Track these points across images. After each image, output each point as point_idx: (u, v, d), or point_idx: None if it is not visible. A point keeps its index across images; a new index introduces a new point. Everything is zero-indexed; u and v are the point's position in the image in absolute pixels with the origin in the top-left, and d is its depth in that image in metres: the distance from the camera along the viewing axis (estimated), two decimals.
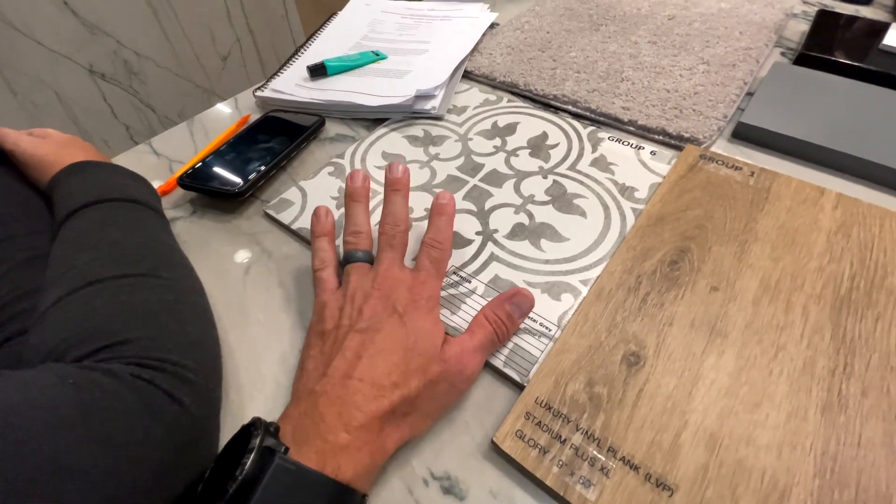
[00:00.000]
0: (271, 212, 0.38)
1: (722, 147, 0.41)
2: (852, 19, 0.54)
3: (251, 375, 0.29)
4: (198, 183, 0.39)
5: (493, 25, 0.60)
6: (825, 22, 0.53)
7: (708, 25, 0.56)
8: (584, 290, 0.30)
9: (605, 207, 0.36)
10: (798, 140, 0.38)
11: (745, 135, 0.41)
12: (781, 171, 0.38)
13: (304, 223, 0.36)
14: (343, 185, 0.39)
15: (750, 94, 0.46)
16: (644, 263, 0.31)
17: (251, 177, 0.38)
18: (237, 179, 0.38)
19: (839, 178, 0.38)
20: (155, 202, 0.35)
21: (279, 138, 0.43)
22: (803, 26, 0.56)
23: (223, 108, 0.51)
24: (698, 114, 0.43)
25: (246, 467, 0.18)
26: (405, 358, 0.24)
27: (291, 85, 0.49)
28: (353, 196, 0.33)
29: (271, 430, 0.20)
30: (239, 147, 0.42)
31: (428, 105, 0.45)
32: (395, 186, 0.32)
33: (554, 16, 0.60)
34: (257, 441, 0.19)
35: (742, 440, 0.23)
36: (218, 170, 0.40)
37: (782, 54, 0.52)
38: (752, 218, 0.33)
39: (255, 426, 0.20)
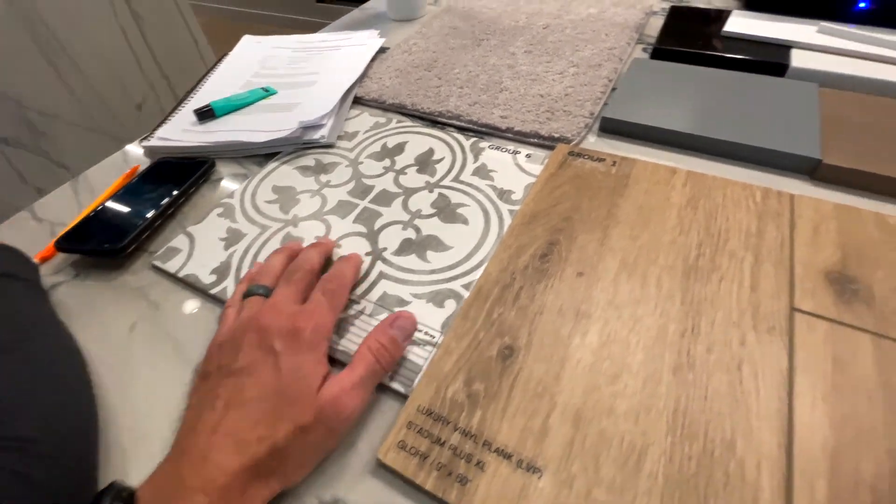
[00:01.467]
0: (157, 262, 0.37)
1: (591, 142, 0.44)
2: (701, 11, 0.60)
3: (135, 435, 0.28)
4: (75, 244, 0.37)
5: (382, 50, 0.62)
6: (677, 17, 0.59)
7: (578, 31, 0.60)
8: (466, 294, 0.32)
9: (485, 213, 0.37)
10: (654, 127, 0.42)
11: (610, 128, 0.44)
12: (642, 158, 0.41)
13: (191, 269, 0.36)
14: (232, 225, 0.39)
15: (615, 89, 0.50)
16: (518, 260, 0.33)
17: (134, 231, 0.38)
18: (119, 235, 0.37)
19: (694, 157, 0.41)
20: (25, 272, 0.33)
21: (166, 186, 0.42)
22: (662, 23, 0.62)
23: (111, 162, 0.50)
24: (568, 114, 0.46)
25: None
26: (275, 405, 0.23)
27: (178, 131, 0.49)
28: (278, 249, 0.34)
29: (123, 495, 0.20)
30: (123, 200, 0.41)
31: (317, 134, 0.46)
32: (316, 244, 0.34)
33: (439, 35, 0.63)
34: None
35: (604, 412, 0.25)
36: (99, 227, 0.39)
37: (644, 50, 0.57)
38: (614, 204, 0.36)
39: (105, 492, 0.19)
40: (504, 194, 0.39)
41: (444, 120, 0.49)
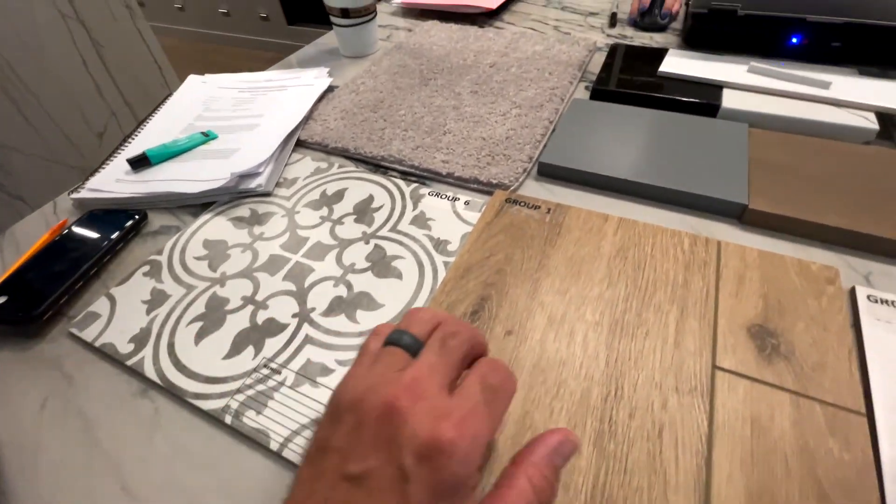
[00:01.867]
0: (74, 330, 0.35)
1: (529, 187, 0.44)
2: (640, 50, 0.61)
3: None
4: None
5: (331, 89, 0.62)
6: (617, 55, 0.60)
7: (523, 69, 0.61)
8: None
9: (420, 265, 0.37)
10: (590, 172, 0.42)
11: (547, 172, 0.45)
12: (580, 204, 0.42)
13: (109, 337, 0.34)
14: (157, 285, 0.37)
15: (556, 129, 0.50)
16: None
17: (50, 297, 0.36)
18: (35, 302, 0.35)
19: (629, 202, 0.42)
20: None
21: (93, 243, 0.41)
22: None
23: (39, 216, 0.47)
24: (507, 158, 0.46)
25: None
26: None
27: (111, 181, 0.47)
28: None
29: None
30: (45, 261, 0.39)
31: (253, 183, 0.45)
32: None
33: (388, 74, 0.63)
34: None
35: None
36: (16, 292, 0.36)
37: (586, 88, 0.58)
38: (546, 254, 0.36)
39: None
40: (440, 245, 0.38)
41: (386, 164, 0.48)
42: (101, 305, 0.36)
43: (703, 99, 0.49)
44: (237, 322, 0.34)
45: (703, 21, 0.62)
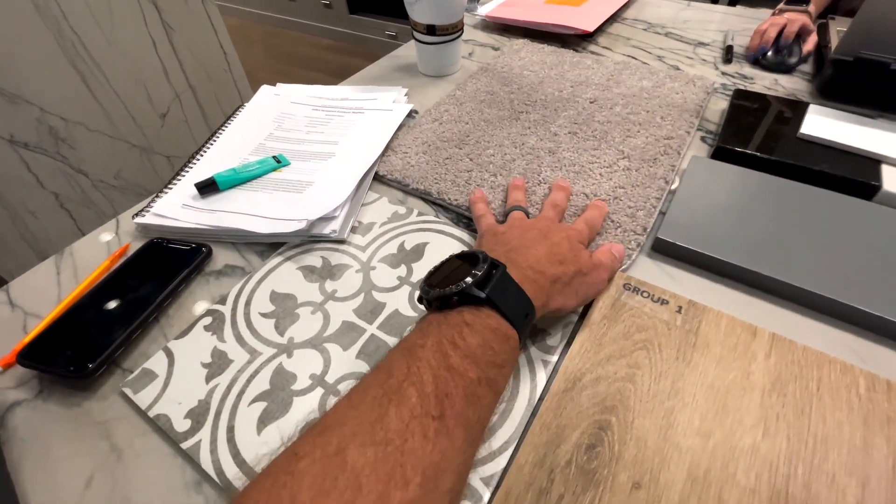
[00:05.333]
0: (128, 391, 0.31)
1: (643, 266, 0.38)
2: (770, 100, 0.53)
3: None
4: (38, 362, 0.32)
5: (411, 115, 0.57)
6: (742, 104, 0.52)
7: (629, 109, 0.54)
8: (487, 496, 0.25)
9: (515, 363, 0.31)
10: (724, 262, 0.35)
11: (665, 251, 0.38)
12: (708, 297, 0.35)
13: (164, 407, 0.30)
14: (219, 345, 0.33)
15: (672, 191, 0.43)
16: (558, 450, 0.27)
17: (105, 352, 0.32)
18: (88, 354, 0.32)
19: (767, 301, 0.35)
20: None
21: (155, 281, 0.37)
22: (723, 104, 0.55)
23: (100, 237, 0.45)
24: (617, 226, 0.39)
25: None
26: (569, 251, 0.32)
27: (177, 206, 0.44)
28: (515, 185, 0.43)
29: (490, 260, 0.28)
30: (104, 297, 0.36)
31: (327, 229, 0.40)
32: (561, 188, 0.42)
33: (474, 102, 0.57)
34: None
35: None
36: (68, 339, 0.33)
37: (702, 139, 0.51)
38: (679, 374, 0.29)
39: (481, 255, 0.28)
40: (538, 336, 0.33)
41: (471, 215, 0.43)
42: (158, 362, 0.33)
43: (859, 176, 0.41)
44: (305, 408, 0.30)
45: (846, 71, 0.53)
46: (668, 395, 0.28)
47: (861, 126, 0.46)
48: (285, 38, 2.93)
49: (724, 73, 0.62)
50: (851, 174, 0.41)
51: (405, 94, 0.60)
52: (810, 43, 0.61)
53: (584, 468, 0.26)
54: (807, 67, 0.62)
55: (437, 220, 0.43)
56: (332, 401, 0.30)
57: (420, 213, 0.43)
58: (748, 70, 0.62)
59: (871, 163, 0.42)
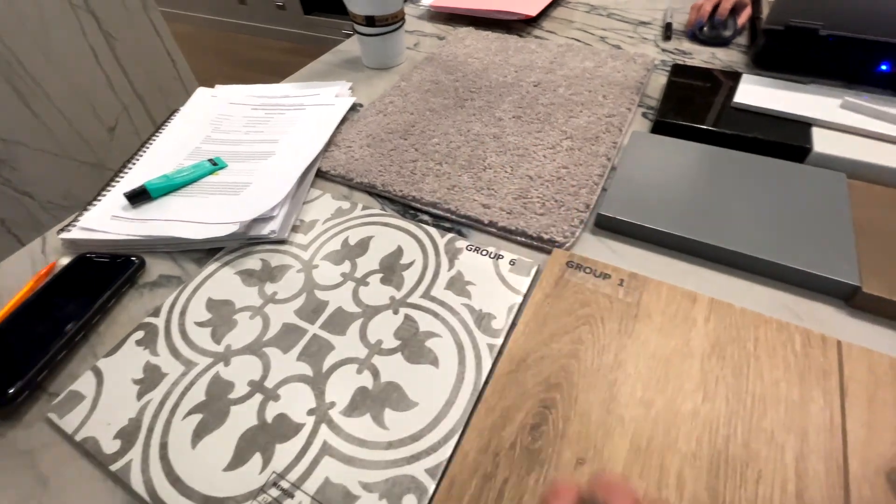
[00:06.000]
0: (53, 416, 0.29)
1: (587, 243, 0.38)
2: (706, 73, 0.54)
3: None
4: None
5: (355, 108, 0.55)
6: (679, 79, 0.52)
7: (572, 90, 0.54)
8: (432, 486, 0.25)
9: (460, 348, 0.31)
10: (663, 232, 0.36)
11: (607, 226, 0.38)
12: (649, 268, 0.35)
13: (92, 429, 0.28)
14: (152, 359, 0.32)
15: (615, 168, 0.43)
16: (503, 433, 0.26)
17: (27, 375, 0.30)
18: (8, 379, 0.30)
19: (708, 268, 0.35)
20: None
21: (82, 297, 0.35)
22: (664, 79, 0.56)
23: (26, 256, 0.42)
24: (560, 205, 0.39)
25: None
26: None
27: (106, 218, 0.41)
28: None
29: None
30: (27, 318, 0.34)
31: (266, 229, 0.39)
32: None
33: (419, 92, 0.57)
34: None
35: None
36: None
37: (644, 115, 0.51)
38: (622, 346, 0.29)
39: None
40: (483, 320, 0.32)
41: (418, 207, 0.42)
42: (85, 383, 0.31)
43: (790, 140, 0.42)
44: (243, 417, 0.28)
45: (777, 40, 0.54)
46: (611, 368, 0.28)
47: (792, 92, 0.47)
48: (240, 44, 2.85)
49: (664, 50, 0.62)
50: (784, 139, 0.42)
51: (349, 88, 0.59)
52: (744, 16, 0.62)
53: (529, 448, 0.25)
54: (743, 39, 0.64)
55: (383, 212, 0.42)
56: (271, 406, 0.29)
57: (365, 207, 0.42)
58: (687, 45, 0.63)
59: (803, 126, 0.43)
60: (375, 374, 0.30)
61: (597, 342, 0.29)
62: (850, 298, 0.31)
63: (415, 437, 0.27)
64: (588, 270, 0.34)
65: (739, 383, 0.27)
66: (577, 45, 0.64)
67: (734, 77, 0.51)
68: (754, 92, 0.47)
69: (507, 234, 0.38)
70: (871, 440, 0.24)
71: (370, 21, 0.59)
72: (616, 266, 0.34)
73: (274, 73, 2.53)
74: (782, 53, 0.55)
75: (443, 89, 0.57)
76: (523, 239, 0.38)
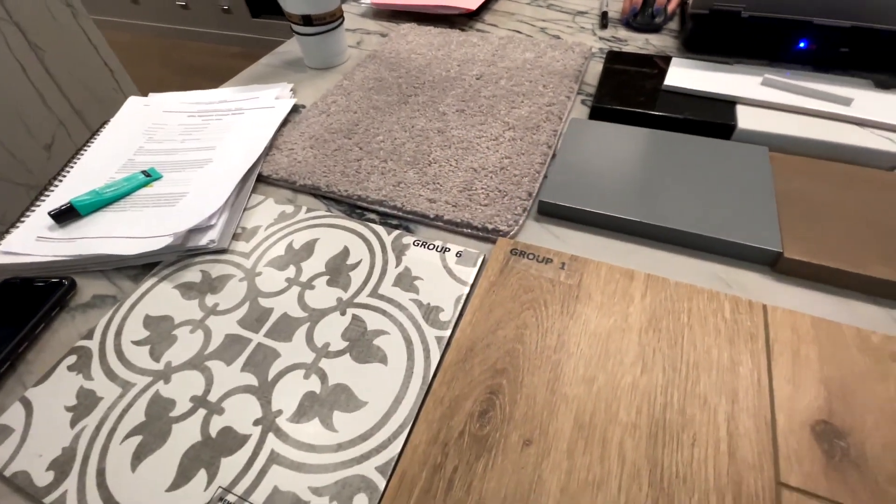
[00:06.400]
0: None
1: (531, 231, 0.38)
2: (638, 58, 0.56)
3: None
4: None
5: (297, 110, 0.54)
6: (614, 65, 0.54)
7: (513, 82, 0.54)
8: (383, 483, 0.25)
9: (409, 343, 0.31)
10: (599, 214, 0.37)
11: (549, 212, 0.39)
12: (591, 250, 0.36)
13: (22, 463, 0.27)
14: (86, 384, 0.30)
15: (556, 155, 0.44)
16: (452, 422, 0.26)
17: None
18: None
19: (645, 245, 0.36)
20: None
21: (7, 326, 0.33)
22: (601, 67, 0.57)
23: None
24: (503, 195, 0.40)
25: None
26: None
27: (31, 240, 0.39)
28: None
29: None
30: None
31: (204, 240, 0.38)
32: None
33: (363, 90, 0.56)
34: None
35: None
36: None
37: (583, 102, 0.52)
38: (564, 327, 0.30)
39: None
40: (431, 313, 0.32)
41: (364, 206, 0.42)
42: (13, 415, 0.29)
43: (716, 118, 0.44)
44: (185, 434, 0.27)
45: (703, 23, 0.57)
46: (554, 349, 0.29)
47: (718, 73, 0.49)
48: (187, 50, 2.74)
49: (601, 38, 0.64)
50: (710, 117, 0.44)
51: (291, 90, 0.58)
52: (674, 2, 0.65)
53: (477, 435, 0.25)
54: (675, 25, 0.66)
55: (329, 213, 0.41)
56: (215, 420, 0.28)
57: (310, 210, 0.41)
58: (623, 33, 0.65)
59: (728, 105, 0.45)
60: (323, 377, 0.29)
61: (541, 325, 0.30)
62: (775, 264, 0.33)
63: (364, 437, 0.27)
64: (531, 256, 0.34)
65: (675, 353, 0.28)
66: (519, 36, 0.65)
67: (665, 61, 0.53)
68: (683, 74, 0.49)
69: (454, 227, 0.39)
70: (795, 395, 0.26)
71: (307, 20, 0.58)
72: (558, 250, 0.35)
73: (222, 78, 2.44)
74: (709, 36, 0.57)
75: (386, 86, 0.56)
76: (469, 230, 0.38)
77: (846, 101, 0.43)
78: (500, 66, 0.58)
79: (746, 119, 0.43)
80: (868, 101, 0.44)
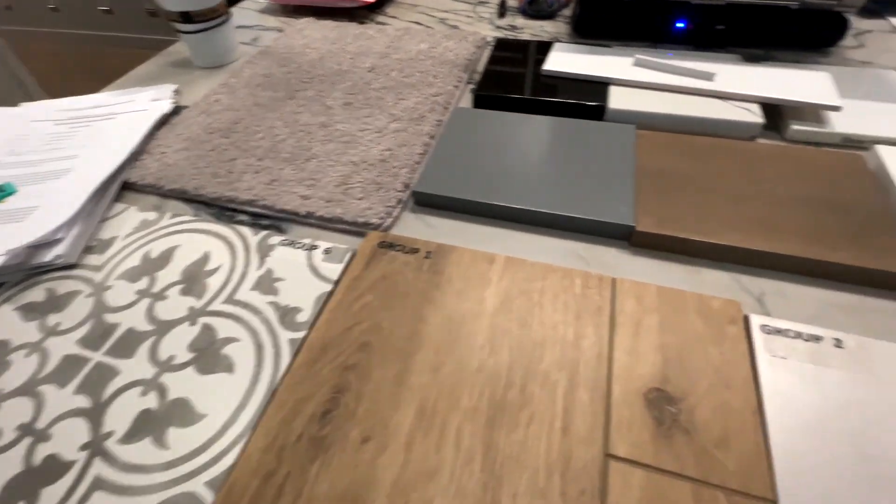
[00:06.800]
0: None
1: (407, 223, 0.38)
2: (523, 45, 0.56)
3: None
4: None
5: (179, 112, 0.51)
6: (501, 53, 0.54)
7: (405, 73, 0.54)
8: (210, 498, 0.23)
9: (259, 349, 0.29)
10: (466, 200, 0.36)
11: (425, 202, 0.38)
12: (465, 238, 0.36)
13: None
14: None
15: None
16: (292, 426, 0.25)
17: None
18: None
19: (515, 230, 0.36)
20: None
21: None
22: None
23: None
24: (380, 188, 0.39)
25: None
26: None
27: None
28: None
29: None
30: None
31: (50, 255, 0.35)
32: None
33: (249, 88, 0.54)
34: None
35: None
36: None
37: (472, 91, 0.52)
38: (422, 316, 0.29)
39: None
40: (288, 315, 0.31)
41: (234, 206, 0.40)
42: None
43: (589, 100, 0.44)
44: (7, 466, 0.25)
45: (589, 8, 0.58)
46: (408, 339, 0.28)
47: (595, 56, 0.50)
48: (113, 58, 2.58)
49: (498, 27, 0.64)
50: (584, 99, 0.45)
51: (173, 91, 0.54)
52: None
53: (316, 437, 0.24)
54: (569, 11, 0.67)
55: (195, 218, 0.39)
56: (40, 448, 0.26)
57: (175, 216, 0.39)
58: (520, 21, 0.66)
59: (602, 87, 0.46)
60: (162, 393, 0.27)
61: (398, 317, 0.29)
62: (630, 238, 0.34)
63: (198, 451, 0.25)
64: (398, 248, 0.34)
65: (523, 333, 0.28)
66: (416, 28, 0.64)
67: (549, 47, 0.54)
68: (562, 59, 0.50)
69: (326, 224, 0.37)
70: (633, 365, 0.26)
71: (187, 17, 0.55)
72: (428, 240, 0.34)
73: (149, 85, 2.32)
74: (596, 20, 0.58)
75: (274, 82, 0.54)
76: (341, 226, 0.37)
77: (709, 77, 0.45)
78: (393, 57, 0.57)
79: (617, 99, 0.44)
80: (731, 74, 0.46)
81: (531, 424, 0.24)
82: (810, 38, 0.54)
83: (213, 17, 0.56)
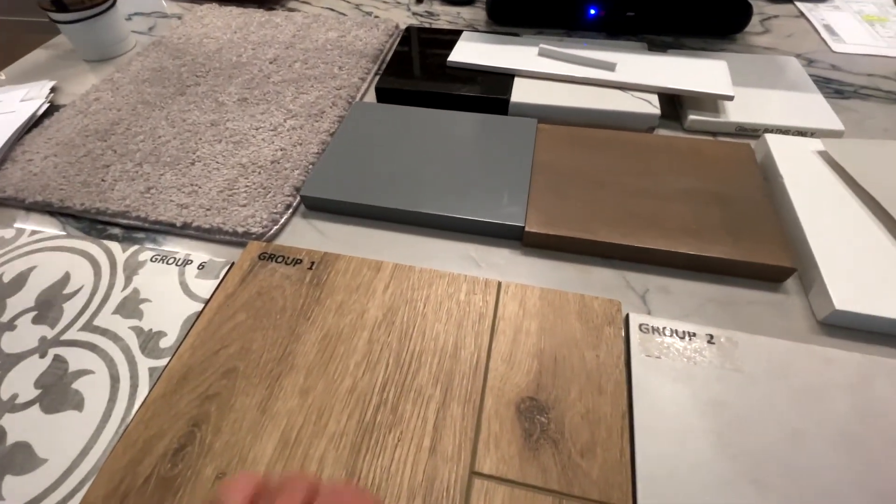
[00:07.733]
0: None
1: (297, 229, 0.35)
2: (435, 34, 0.54)
3: None
4: None
5: (52, 112, 0.46)
6: (409, 42, 0.52)
7: (309, 65, 0.50)
8: None
9: (115, 381, 0.27)
10: (357, 204, 0.34)
11: (314, 206, 0.36)
12: (357, 244, 0.34)
13: None
14: None
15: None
16: (139, 467, 0.23)
17: None
18: None
19: (409, 233, 0.35)
20: None
21: None
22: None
23: None
24: (267, 192, 0.36)
25: None
26: None
27: None
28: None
29: None
30: None
31: None
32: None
33: (135, 83, 0.49)
34: None
35: None
36: None
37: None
38: (297, 335, 0.27)
39: None
40: (151, 341, 0.28)
41: (105, 219, 0.36)
42: None
43: (492, 93, 0.43)
44: None
45: None
46: (278, 362, 0.26)
47: (503, 45, 0.49)
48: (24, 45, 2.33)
49: (414, 14, 0.62)
50: (487, 92, 0.43)
51: (49, 89, 0.49)
52: None
53: (166, 478, 0.22)
54: None
55: (61, 234, 0.35)
56: None
57: (34, 233, 0.35)
58: (437, 7, 0.63)
59: (508, 79, 0.45)
60: (1, 437, 0.25)
61: (269, 337, 0.27)
62: (521, 239, 0.33)
63: (36, 500, 0.22)
64: (280, 259, 0.32)
65: (402, 346, 0.27)
66: (327, 14, 0.61)
67: (458, 36, 0.52)
68: (468, 49, 0.48)
69: (205, 235, 0.34)
70: (508, 374, 0.26)
71: (60, 6, 0.49)
72: (314, 249, 0.32)
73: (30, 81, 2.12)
74: (510, 7, 0.57)
75: (164, 77, 0.50)
76: (221, 237, 0.34)
77: (611, 67, 0.44)
78: (298, 47, 0.54)
79: (520, 92, 0.43)
80: (633, 64, 0.45)
81: (399, 446, 0.23)
82: (717, 24, 0.55)
83: (91, 6, 0.51)
